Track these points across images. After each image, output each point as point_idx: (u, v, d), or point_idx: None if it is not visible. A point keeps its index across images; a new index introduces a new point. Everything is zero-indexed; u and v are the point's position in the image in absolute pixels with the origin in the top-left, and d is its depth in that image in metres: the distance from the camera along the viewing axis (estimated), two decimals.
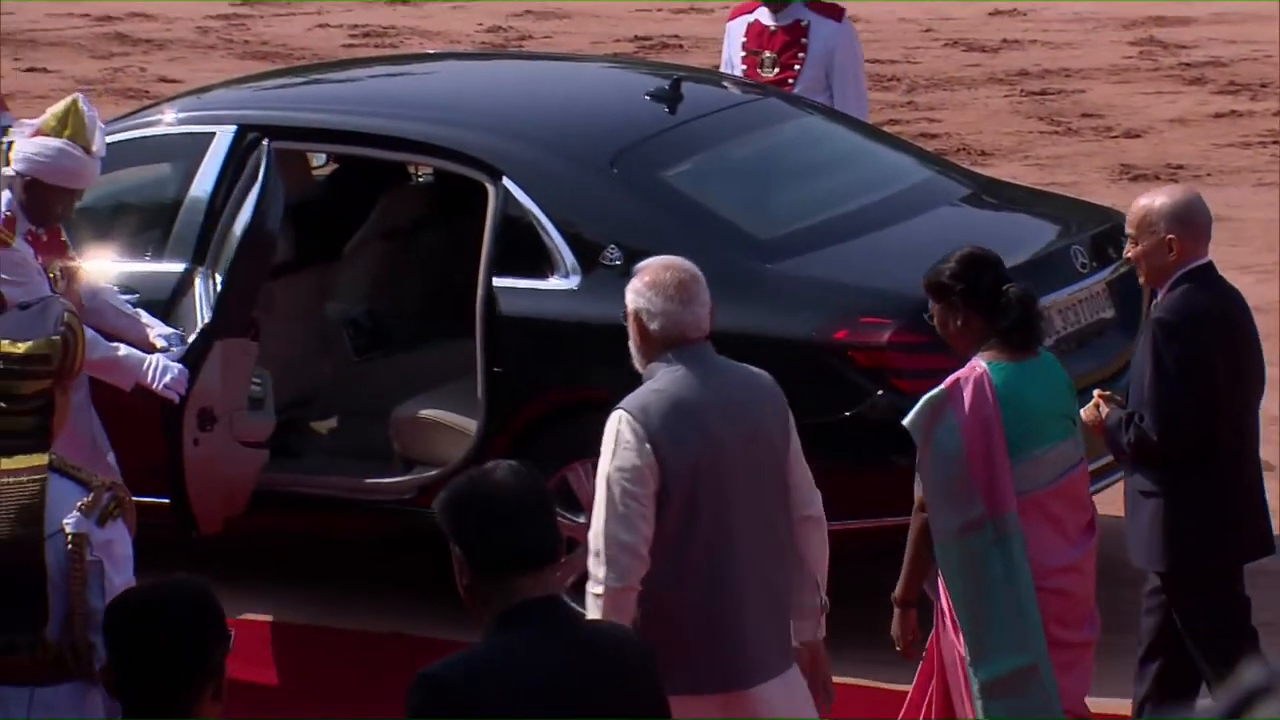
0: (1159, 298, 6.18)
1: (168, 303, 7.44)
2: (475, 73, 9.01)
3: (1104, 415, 6.10)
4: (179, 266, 7.56)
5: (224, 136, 7.70)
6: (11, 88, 13.71)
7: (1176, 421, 6.01)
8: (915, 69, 14.15)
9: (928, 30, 15.04)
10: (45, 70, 14.58)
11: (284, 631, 7.44)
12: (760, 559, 5.31)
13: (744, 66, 8.93)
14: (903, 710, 5.98)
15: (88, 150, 6.91)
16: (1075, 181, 11.70)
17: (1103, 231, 7.82)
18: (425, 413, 7.70)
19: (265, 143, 7.59)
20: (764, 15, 8.93)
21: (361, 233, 8.39)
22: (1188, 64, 13.92)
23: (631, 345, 5.39)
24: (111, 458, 7.04)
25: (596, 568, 5.25)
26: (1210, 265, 6.20)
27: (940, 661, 5.86)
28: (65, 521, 4.64)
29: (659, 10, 15.63)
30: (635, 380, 5.41)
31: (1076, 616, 5.82)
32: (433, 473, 7.51)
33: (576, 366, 7.24)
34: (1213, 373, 6.04)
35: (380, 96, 8.20)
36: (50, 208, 6.94)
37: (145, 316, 7.24)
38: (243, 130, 7.70)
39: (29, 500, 4.66)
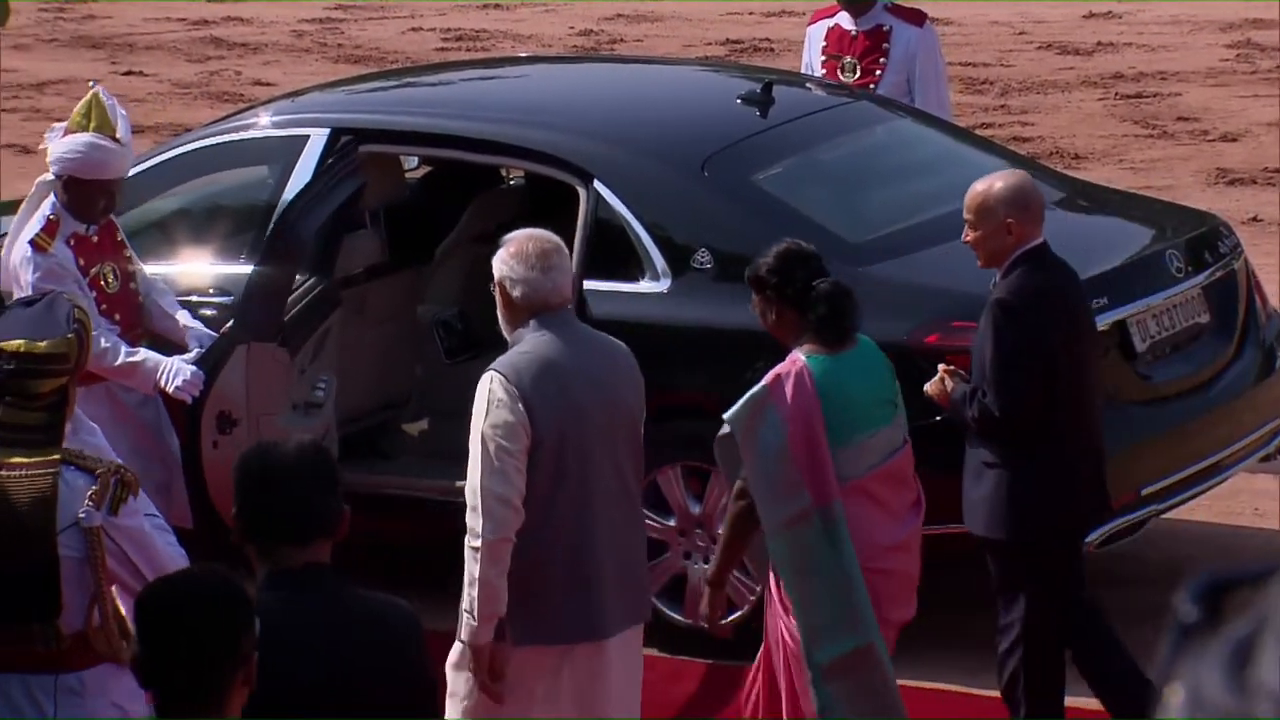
0: (996, 279, 6.32)
1: None
2: (567, 76, 9.02)
3: (949, 389, 6.26)
4: None
5: (317, 139, 7.74)
6: (109, 91, 13.81)
7: (1016, 398, 6.15)
8: (1008, 72, 14.07)
9: (1021, 33, 14.96)
10: (142, 74, 14.70)
11: None
12: (617, 519, 5.56)
13: (824, 71, 8.90)
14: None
15: (115, 139, 6.95)
16: (1170, 185, 11.61)
17: (1198, 236, 7.74)
18: None
19: (309, 139, 7.61)
20: (845, 20, 8.91)
21: (453, 235, 8.41)
22: None
23: (499, 313, 5.67)
24: (175, 444, 7.10)
25: (474, 521, 5.49)
26: (1045, 245, 6.35)
27: (768, 642, 6.03)
28: (80, 514, 4.68)
29: (750, 13, 15.61)
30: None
31: (905, 593, 5.98)
32: None
33: (666, 370, 7.23)
34: (1051, 350, 6.20)
35: (472, 100, 8.22)
36: (92, 202, 6.98)
37: (186, 318, 7.25)
38: (336, 133, 7.73)
39: (41, 494, 4.70)
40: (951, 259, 7.40)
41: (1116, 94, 13.52)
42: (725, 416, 5.93)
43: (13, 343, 4.80)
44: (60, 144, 6.98)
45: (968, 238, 6.35)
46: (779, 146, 7.68)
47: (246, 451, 4.28)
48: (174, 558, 4.79)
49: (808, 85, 8.57)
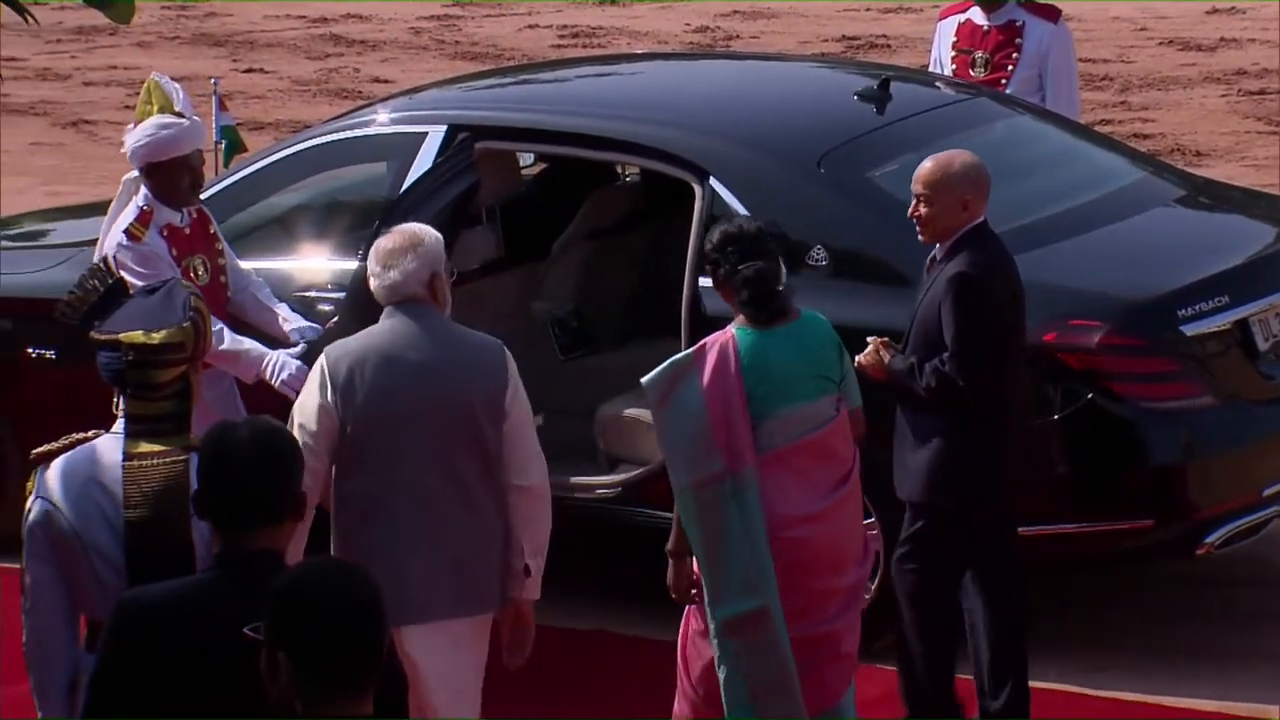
0: (940, 253, 6.46)
1: None
2: (682, 73, 9.00)
3: (886, 360, 6.42)
4: None
5: (435, 136, 7.77)
6: (230, 88, 13.94)
7: (980, 367, 6.33)
8: (1129, 68, 13.96)
9: (1142, 29, 14.83)
10: (263, 71, 14.82)
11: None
12: (439, 511, 5.70)
13: (954, 66, 8.86)
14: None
15: (178, 115, 7.04)
16: None
17: None
18: (630, 411, 7.72)
19: (427, 136, 7.63)
20: (976, 15, 8.86)
21: (568, 232, 8.41)
22: None
23: None
24: None
25: None
26: (986, 223, 6.52)
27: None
28: None
29: (867, 10, 15.55)
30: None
31: (826, 563, 6.09)
32: (637, 471, 7.52)
33: None
34: (1005, 322, 6.40)
35: (588, 96, 8.22)
36: (176, 183, 7.03)
37: (285, 310, 7.29)
38: (453, 130, 7.76)
39: (175, 480, 4.74)
40: (1071, 256, 7.34)
41: (1239, 90, 13.38)
42: (644, 381, 6.14)
43: (131, 334, 4.85)
44: (131, 136, 7.08)
45: (917, 212, 6.48)
46: (896, 143, 7.64)
47: (207, 431, 4.36)
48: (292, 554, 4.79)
49: (925, 81, 8.53)
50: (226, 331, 7.00)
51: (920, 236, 6.51)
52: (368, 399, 5.71)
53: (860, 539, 6.17)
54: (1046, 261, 7.29)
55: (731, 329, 6.15)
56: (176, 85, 7.15)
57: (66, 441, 4.87)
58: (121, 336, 4.85)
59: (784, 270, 6.19)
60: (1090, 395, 6.95)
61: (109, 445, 4.82)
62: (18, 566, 4.90)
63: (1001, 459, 6.39)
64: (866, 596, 7.07)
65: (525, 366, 8.33)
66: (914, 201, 6.49)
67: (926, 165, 6.50)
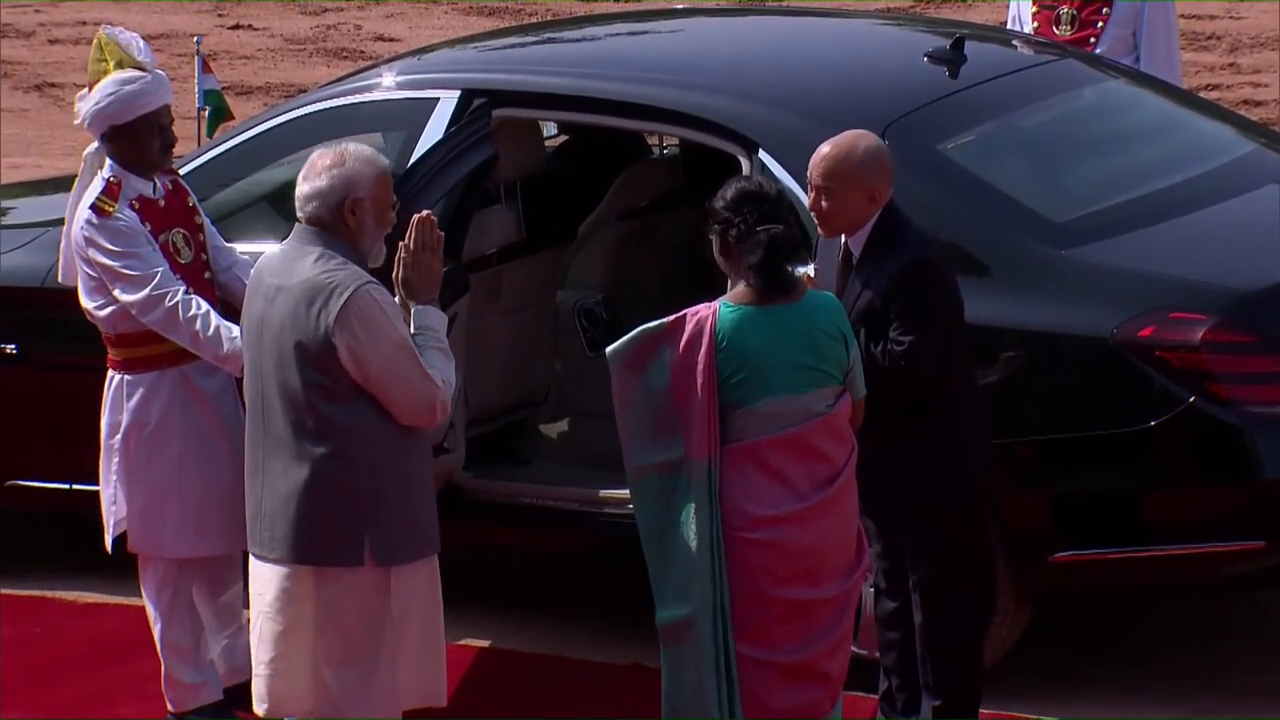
0: (857, 246, 6.50)
1: None
2: (728, 31, 9.04)
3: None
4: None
5: (447, 103, 7.81)
6: (214, 47, 14.00)
7: (934, 360, 6.45)
8: (1238, 25, 13.95)
9: None
10: (251, 28, 14.89)
11: (509, 660, 7.51)
12: (270, 466, 6.24)
13: (1036, 24, 8.88)
14: None
15: (140, 68, 7.04)
16: None
17: None
18: None
19: (438, 103, 7.68)
20: None
21: (597, 212, 8.45)
22: None
23: None
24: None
25: None
26: (894, 201, 6.57)
27: None
28: None
29: None
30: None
31: (796, 571, 6.11)
32: None
33: None
34: (960, 306, 6.58)
35: (621, 58, 8.26)
36: (145, 144, 7.04)
37: None
38: (467, 95, 7.80)
39: None
40: (1171, 241, 7.35)
41: None
42: (609, 350, 6.24)
43: None
44: (88, 100, 7.07)
45: (817, 205, 6.52)
46: (970, 111, 7.68)
47: None
48: None
49: (1004, 41, 8.55)
50: (216, 315, 7.01)
51: (820, 231, 6.58)
52: (243, 316, 6.29)
53: (849, 549, 6.20)
54: (1142, 247, 7.31)
55: (719, 302, 6.19)
56: (134, 35, 7.16)
57: None
58: None
59: (813, 242, 6.23)
60: (1192, 398, 6.96)
61: None
62: None
63: (969, 454, 6.53)
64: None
65: (548, 364, 8.43)
66: (812, 192, 6.56)
67: (825, 151, 6.56)
